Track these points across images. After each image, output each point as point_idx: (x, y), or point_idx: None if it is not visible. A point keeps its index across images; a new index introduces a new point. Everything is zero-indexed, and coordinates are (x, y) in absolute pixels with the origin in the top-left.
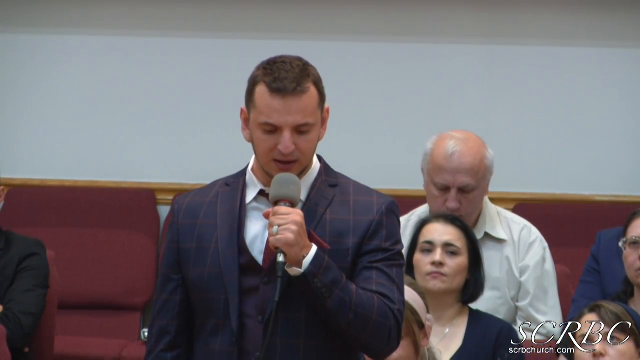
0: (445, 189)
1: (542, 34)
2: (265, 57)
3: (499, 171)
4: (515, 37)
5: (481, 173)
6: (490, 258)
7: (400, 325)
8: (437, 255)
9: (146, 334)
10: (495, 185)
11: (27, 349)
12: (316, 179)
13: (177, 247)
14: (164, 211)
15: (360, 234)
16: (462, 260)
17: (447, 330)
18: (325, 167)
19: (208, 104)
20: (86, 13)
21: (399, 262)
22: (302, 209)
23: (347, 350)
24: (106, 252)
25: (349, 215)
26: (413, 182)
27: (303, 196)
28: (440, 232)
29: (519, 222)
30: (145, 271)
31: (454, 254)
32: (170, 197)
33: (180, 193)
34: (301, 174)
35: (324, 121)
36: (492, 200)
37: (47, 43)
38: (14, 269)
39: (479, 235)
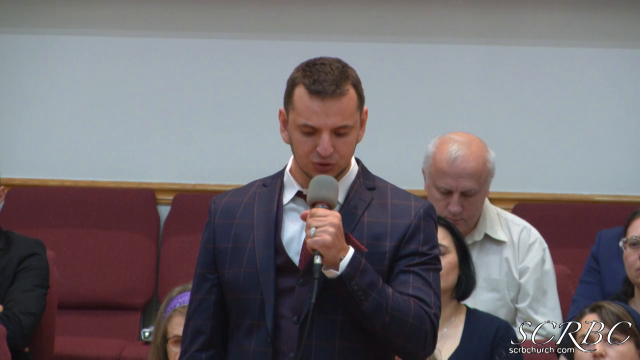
0: (448, 192)
1: (542, 34)
2: (265, 57)
3: (499, 171)
4: (515, 37)
5: (484, 177)
6: (490, 260)
7: (436, 329)
8: None
9: (146, 334)
10: (496, 185)
11: (27, 349)
12: (354, 182)
13: (213, 246)
14: (164, 211)
15: (397, 237)
16: (451, 258)
17: (445, 329)
18: (363, 170)
19: (208, 104)
20: (86, 13)
21: (435, 267)
22: (340, 211)
23: (381, 352)
24: (106, 252)
25: (386, 218)
26: (413, 182)
27: (341, 198)
28: None
29: (519, 224)
30: (145, 271)
31: (442, 253)
32: (170, 197)
33: (180, 193)
34: (339, 175)
35: (362, 123)
36: (492, 200)
37: (47, 43)
38: (14, 269)
39: (479, 237)
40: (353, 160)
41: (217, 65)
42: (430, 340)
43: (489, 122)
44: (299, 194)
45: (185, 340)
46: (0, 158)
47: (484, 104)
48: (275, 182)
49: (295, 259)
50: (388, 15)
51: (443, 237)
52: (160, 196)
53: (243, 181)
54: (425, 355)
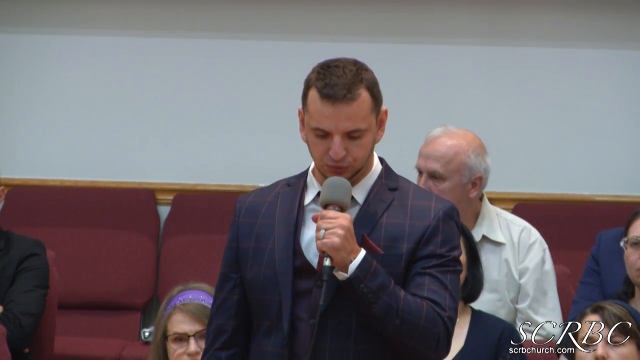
0: (420, 173)
1: (542, 35)
2: (265, 57)
3: (499, 171)
4: (515, 38)
5: (453, 165)
6: (489, 260)
7: (451, 332)
8: None
9: (146, 334)
10: (496, 185)
11: (27, 349)
12: (376, 182)
13: (237, 246)
14: (164, 211)
15: (414, 239)
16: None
17: None
18: (386, 170)
19: (208, 104)
20: (86, 13)
21: (454, 269)
22: (359, 212)
23: (396, 355)
24: (106, 252)
25: (404, 219)
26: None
27: (361, 199)
28: None
29: (519, 224)
30: (145, 271)
31: None
32: (170, 197)
33: (180, 193)
34: (360, 176)
35: (381, 123)
36: (492, 200)
37: (47, 43)
38: (14, 269)
39: (476, 238)
40: (376, 160)
41: (217, 65)
42: (443, 344)
43: (489, 122)
44: (319, 195)
45: (208, 339)
46: (0, 158)
47: (484, 104)
48: (298, 182)
49: (314, 261)
50: (388, 15)
51: None
52: (160, 196)
53: (243, 181)
54: (439, 358)
